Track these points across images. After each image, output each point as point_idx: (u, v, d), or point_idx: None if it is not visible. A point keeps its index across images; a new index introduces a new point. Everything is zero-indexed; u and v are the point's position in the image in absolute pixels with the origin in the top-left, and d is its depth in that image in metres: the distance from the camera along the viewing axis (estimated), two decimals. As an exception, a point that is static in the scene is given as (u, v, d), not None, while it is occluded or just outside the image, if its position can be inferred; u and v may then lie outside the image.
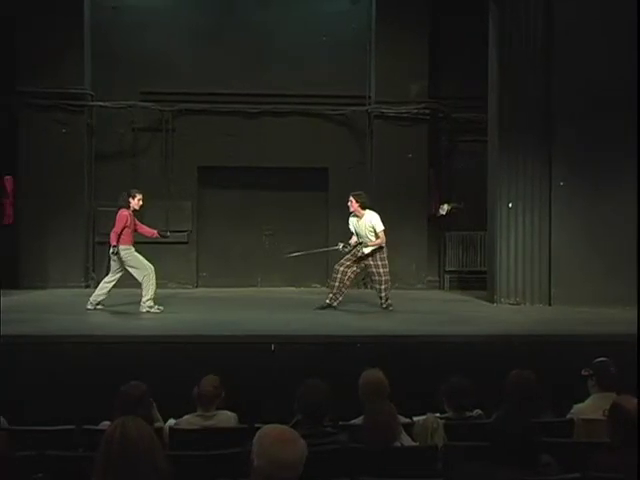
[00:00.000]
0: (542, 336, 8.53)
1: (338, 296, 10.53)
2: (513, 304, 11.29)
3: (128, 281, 10.41)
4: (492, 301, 11.53)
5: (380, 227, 10.30)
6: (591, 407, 5.29)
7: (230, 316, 9.92)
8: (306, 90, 13.86)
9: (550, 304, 11.23)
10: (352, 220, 10.52)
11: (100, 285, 10.44)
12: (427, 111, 13.99)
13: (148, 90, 13.79)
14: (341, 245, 10.50)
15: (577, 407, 5.40)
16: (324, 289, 11.47)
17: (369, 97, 14.15)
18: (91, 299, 10.29)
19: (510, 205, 11.40)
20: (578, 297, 10.86)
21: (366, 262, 10.49)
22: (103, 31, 13.82)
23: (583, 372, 5.56)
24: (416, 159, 14.03)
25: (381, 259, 10.46)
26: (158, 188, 13.76)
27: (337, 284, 10.48)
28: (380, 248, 10.43)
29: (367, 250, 10.39)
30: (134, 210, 10.36)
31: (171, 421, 5.31)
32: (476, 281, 13.31)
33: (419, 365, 7.42)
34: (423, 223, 14.15)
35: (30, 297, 12.03)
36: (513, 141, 11.42)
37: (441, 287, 14.27)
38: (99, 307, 10.28)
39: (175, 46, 13.87)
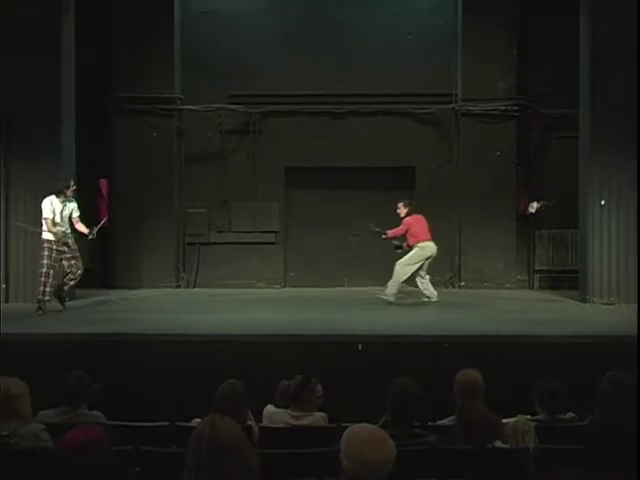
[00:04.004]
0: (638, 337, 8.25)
1: None
2: (606, 304, 10.99)
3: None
4: (584, 301, 11.25)
5: None
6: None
7: (317, 316, 9.97)
8: (392, 89, 13.81)
9: (646, 304, 10.89)
10: None
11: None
12: (515, 108, 13.75)
13: (236, 93, 14.00)
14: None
15: (677, 411, 5.21)
16: (410, 289, 11.41)
17: (456, 95, 13.98)
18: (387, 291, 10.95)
19: (603, 203, 11.11)
20: (675, 297, 10.49)
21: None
22: (192, 36, 14.12)
23: (683, 374, 5.36)
24: (504, 157, 13.81)
25: None
26: (246, 189, 13.99)
27: None
28: None
29: None
30: None
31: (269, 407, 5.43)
32: (567, 280, 12.99)
33: (508, 366, 7.29)
34: (512, 221, 13.91)
35: (125, 297, 12.34)
36: (605, 138, 11.10)
37: (530, 287, 13.99)
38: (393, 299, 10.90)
39: (262, 48, 14.02)
